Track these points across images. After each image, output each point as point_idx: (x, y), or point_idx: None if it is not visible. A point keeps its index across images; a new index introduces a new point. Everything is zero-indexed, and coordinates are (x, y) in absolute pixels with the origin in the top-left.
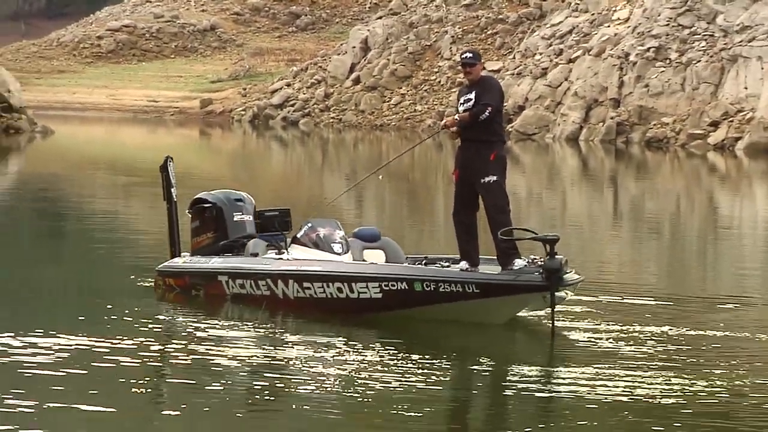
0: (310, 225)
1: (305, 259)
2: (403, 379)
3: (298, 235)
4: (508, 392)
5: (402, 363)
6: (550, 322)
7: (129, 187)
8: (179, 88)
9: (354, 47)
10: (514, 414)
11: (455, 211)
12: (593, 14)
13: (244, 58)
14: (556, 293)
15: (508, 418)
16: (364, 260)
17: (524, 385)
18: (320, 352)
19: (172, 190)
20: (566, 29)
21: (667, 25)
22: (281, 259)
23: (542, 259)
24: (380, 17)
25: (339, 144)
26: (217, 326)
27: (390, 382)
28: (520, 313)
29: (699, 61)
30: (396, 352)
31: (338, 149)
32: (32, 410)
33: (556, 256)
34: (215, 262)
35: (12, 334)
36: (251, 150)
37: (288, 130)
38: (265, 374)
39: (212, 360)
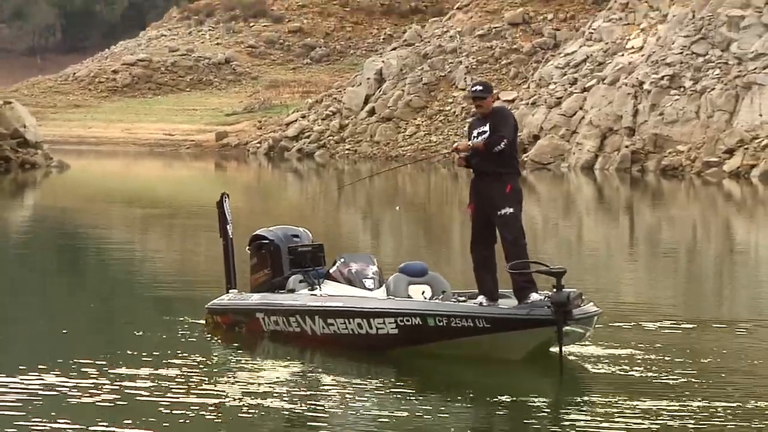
0: (342, 260)
1: (330, 295)
2: (419, 414)
3: (331, 271)
4: (525, 427)
5: (419, 399)
6: (558, 356)
7: (147, 219)
8: (195, 121)
9: (368, 78)
10: None
11: (473, 245)
12: (607, 43)
13: (259, 91)
14: (571, 328)
15: None
16: (409, 296)
17: (540, 419)
18: (338, 389)
19: (228, 226)
20: (580, 58)
21: (681, 53)
22: (312, 295)
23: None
24: (394, 48)
25: (354, 175)
26: (248, 363)
27: (407, 418)
28: (556, 348)
29: (713, 88)
30: (413, 388)
31: (354, 180)
32: None
33: (565, 290)
34: (253, 299)
35: (41, 367)
36: (267, 182)
37: (303, 162)
38: (286, 412)
39: (239, 398)
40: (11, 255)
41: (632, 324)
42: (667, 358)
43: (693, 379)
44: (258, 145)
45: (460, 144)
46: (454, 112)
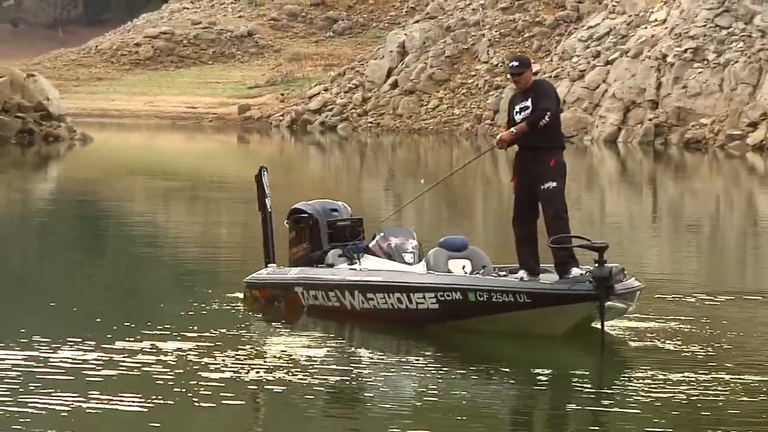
0: (382, 234)
1: (370, 270)
2: (460, 389)
3: (371, 245)
4: (566, 402)
5: (458, 374)
6: (600, 332)
7: (169, 192)
8: (217, 94)
9: (391, 51)
10: (571, 423)
11: (515, 219)
12: (630, 16)
13: (281, 64)
14: (613, 303)
15: (565, 428)
16: (449, 271)
17: (581, 394)
18: (377, 364)
19: (267, 200)
20: (603, 31)
21: (705, 26)
22: (352, 269)
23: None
24: (417, 21)
25: (377, 148)
26: (286, 338)
27: (447, 393)
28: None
29: (737, 61)
30: (453, 363)
31: (377, 154)
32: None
33: (607, 264)
34: (292, 274)
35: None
36: (290, 155)
37: (326, 135)
38: (324, 387)
39: (276, 373)
40: (35, 227)
41: (669, 297)
42: (704, 331)
43: (725, 352)
44: (281, 118)
45: (503, 134)
46: (477, 85)
